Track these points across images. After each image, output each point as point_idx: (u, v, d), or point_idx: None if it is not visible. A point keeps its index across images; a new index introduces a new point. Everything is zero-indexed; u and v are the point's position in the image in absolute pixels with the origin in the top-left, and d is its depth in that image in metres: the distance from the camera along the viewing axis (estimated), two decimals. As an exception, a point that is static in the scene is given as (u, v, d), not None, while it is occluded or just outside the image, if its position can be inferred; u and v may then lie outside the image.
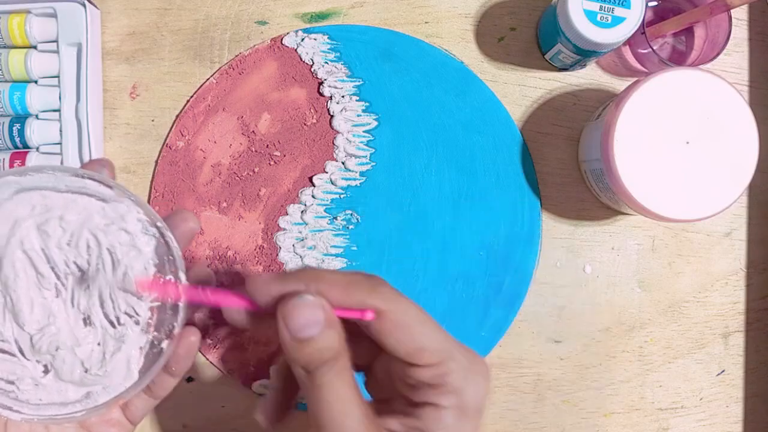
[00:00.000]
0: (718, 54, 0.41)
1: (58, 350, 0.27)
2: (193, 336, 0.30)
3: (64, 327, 0.28)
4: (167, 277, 0.28)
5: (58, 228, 0.27)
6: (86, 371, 0.28)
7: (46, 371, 0.28)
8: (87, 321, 0.28)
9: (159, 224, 0.28)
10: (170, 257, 0.28)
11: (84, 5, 0.42)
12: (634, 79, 0.45)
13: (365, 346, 0.28)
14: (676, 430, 0.44)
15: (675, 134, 0.38)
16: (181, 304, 0.28)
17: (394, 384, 0.28)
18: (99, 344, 0.28)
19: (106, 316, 0.28)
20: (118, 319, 0.28)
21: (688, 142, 0.38)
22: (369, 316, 0.26)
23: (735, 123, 0.38)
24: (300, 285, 0.26)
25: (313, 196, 0.44)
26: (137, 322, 0.28)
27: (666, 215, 0.38)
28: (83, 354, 0.28)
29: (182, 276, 0.28)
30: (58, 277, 0.28)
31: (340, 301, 0.26)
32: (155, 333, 0.28)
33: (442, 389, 0.26)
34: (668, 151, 0.38)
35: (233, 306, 0.27)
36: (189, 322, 0.30)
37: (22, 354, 0.27)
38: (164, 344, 0.28)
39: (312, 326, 0.25)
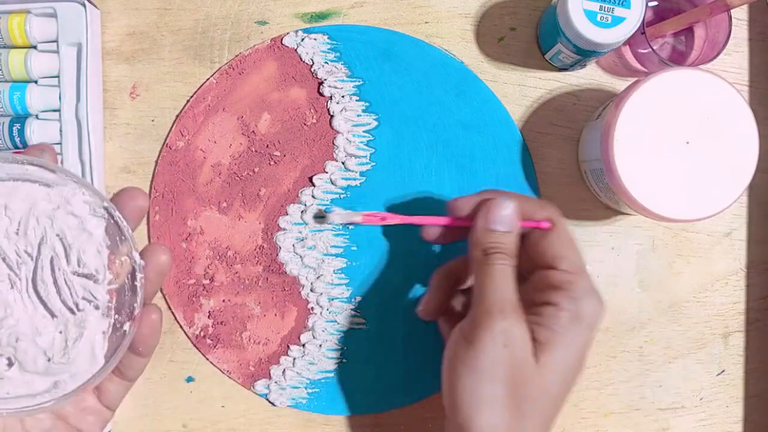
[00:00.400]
0: (718, 54, 0.41)
1: (19, 341, 0.27)
2: (155, 314, 0.30)
3: (22, 317, 0.27)
4: (122, 258, 0.28)
5: (4, 217, 0.27)
6: (49, 360, 0.27)
7: (9, 364, 0.28)
8: (45, 309, 0.28)
9: (106, 204, 0.28)
10: (122, 237, 0.28)
11: (84, 5, 0.42)
12: (634, 79, 0.45)
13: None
14: (676, 430, 0.44)
15: (675, 134, 0.38)
16: (138, 284, 0.28)
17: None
18: (60, 332, 0.28)
19: (65, 303, 0.28)
20: (77, 305, 0.28)
21: (688, 142, 0.38)
22: (545, 225, 0.35)
23: (735, 123, 0.38)
24: (494, 196, 0.36)
25: (313, 196, 0.44)
26: (97, 307, 0.28)
27: (666, 215, 0.38)
28: (45, 343, 0.27)
29: (136, 255, 0.28)
30: (10, 268, 0.27)
31: (523, 213, 0.35)
32: (116, 316, 0.28)
33: (565, 293, 0.33)
34: (668, 151, 0.38)
35: (435, 224, 0.38)
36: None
37: None
38: (126, 326, 0.28)
39: (504, 223, 0.34)
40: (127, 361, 0.31)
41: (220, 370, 0.44)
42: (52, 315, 0.28)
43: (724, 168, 0.38)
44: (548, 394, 0.33)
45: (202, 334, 0.44)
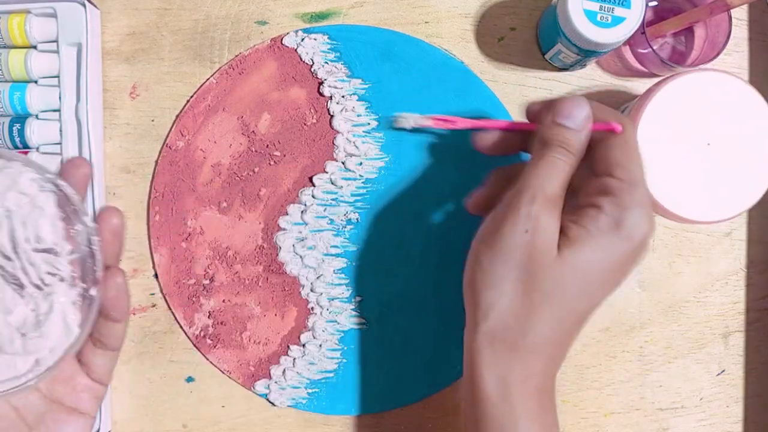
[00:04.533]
0: (718, 54, 0.41)
1: None
2: (119, 277, 0.30)
3: None
4: (77, 227, 0.29)
5: None
6: (24, 336, 0.28)
7: None
8: (12, 289, 0.28)
9: (51, 177, 0.29)
10: (73, 207, 0.29)
11: (84, 5, 0.42)
12: (635, 79, 0.45)
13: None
14: (676, 430, 0.44)
15: (696, 139, 0.38)
16: (95, 248, 0.29)
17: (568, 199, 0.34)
18: (32, 310, 0.28)
19: (30, 280, 0.28)
20: (42, 280, 0.28)
21: (709, 144, 0.38)
22: (617, 128, 0.33)
23: (755, 122, 0.38)
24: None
25: (313, 196, 0.44)
26: (62, 279, 0.28)
27: (696, 219, 0.38)
28: (17, 321, 0.28)
29: (87, 221, 0.29)
30: None
31: (597, 117, 0.33)
32: (82, 284, 0.29)
33: (611, 199, 0.32)
34: (690, 156, 0.38)
35: (501, 128, 0.38)
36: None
37: None
38: (93, 291, 0.29)
39: (574, 119, 0.33)
40: (104, 330, 0.31)
41: (220, 370, 0.44)
42: (20, 294, 0.28)
43: (746, 167, 0.38)
44: (564, 291, 0.31)
45: (202, 334, 0.44)
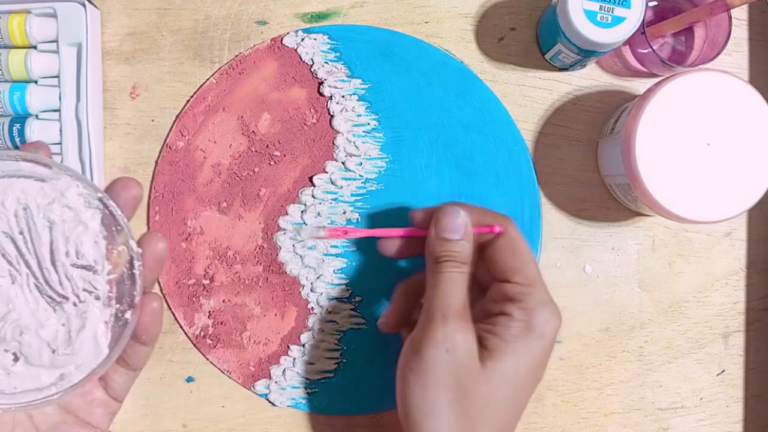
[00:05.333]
0: (718, 54, 0.41)
1: (23, 335, 0.28)
2: (155, 302, 0.30)
3: (24, 311, 0.28)
4: (119, 248, 0.29)
5: (1, 214, 0.28)
6: (54, 352, 0.28)
7: (15, 359, 0.28)
8: (47, 303, 0.28)
9: (100, 195, 0.29)
10: (118, 227, 0.29)
11: (84, 5, 0.42)
12: (635, 79, 0.45)
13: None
14: (676, 430, 0.44)
15: (697, 139, 0.38)
16: (137, 273, 0.28)
17: (477, 301, 0.36)
18: (63, 324, 0.28)
19: (65, 295, 0.28)
20: (78, 296, 0.28)
21: (709, 144, 0.38)
22: (498, 229, 0.36)
23: (756, 122, 0.38)
24: (450, 207, 0.36)
25: (313, 196, 0.44)
26: (97, 297, 0.28)
27: (698, 219, 0.38)
28: (48, 336, 0.28)
29: (133, 244, 0.29)
30: (10, 264, 0.28)
31: (477, 221, 0.36)
32: (117, 305, 0.29)
33: (518, 304, 0.34)
34: (691, 156, 0.38)
35: (394, 236, 0.38)
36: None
37: None
38: (128, 315, 0.29)
39: (455, 231, 0.35)
40: (131, 351, 0.31)
41: (220, 370, 0.44)
42: (54, 308, 0.28)
43: (746, 167, 0.38)
44: (497, 402, 0.33)
45: (202, 334, 0.44)
